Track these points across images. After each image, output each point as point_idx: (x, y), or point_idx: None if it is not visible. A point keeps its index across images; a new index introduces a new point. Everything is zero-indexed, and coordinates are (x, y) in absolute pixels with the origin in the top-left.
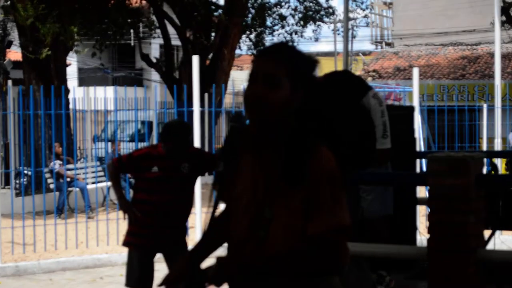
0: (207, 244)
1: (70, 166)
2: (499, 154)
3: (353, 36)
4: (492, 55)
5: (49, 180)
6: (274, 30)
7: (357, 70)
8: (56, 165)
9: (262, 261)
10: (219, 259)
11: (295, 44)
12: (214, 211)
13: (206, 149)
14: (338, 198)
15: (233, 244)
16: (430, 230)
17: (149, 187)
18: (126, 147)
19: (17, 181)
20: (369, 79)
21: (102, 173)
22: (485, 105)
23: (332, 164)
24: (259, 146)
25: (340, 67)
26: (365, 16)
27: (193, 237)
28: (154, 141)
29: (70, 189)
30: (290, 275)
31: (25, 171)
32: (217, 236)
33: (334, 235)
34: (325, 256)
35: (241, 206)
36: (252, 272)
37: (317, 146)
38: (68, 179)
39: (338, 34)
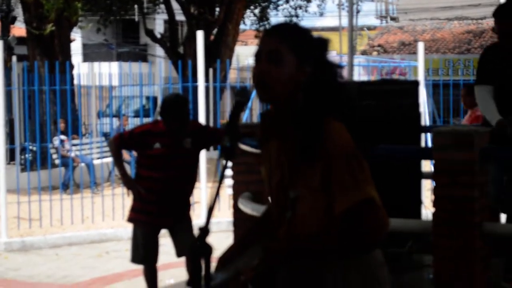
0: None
1: (75, 141)
2: None
3: (358, 11)
4: None
5: (54, 156)
6: (278, 5)
7: (362, 44)
8: (57, 140)
9: (291, 242)
10: (265, 246)
11: (299, 19)
12: (219, 186)
13: (211, 124)
14: (356, 172)
15: (272, 230)
16: (435, 204)
17: (152, 163)
18: (131, 123)
19: (22, 157)
20: (374, 53)
21: (107, 149)
22: None
23: (345, 139)
24: (280, 128)
25: (345, 42)
26: None
27: (198, 212)
28: (159, 117)
29: (75, 164)
30: (322, 255)
31: (30, 147)
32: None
33: (358, 211)
34: (358, 230)
35: (272, 190)
36: (287, 254)
37: (328, 121)
38: (72, 154)
39: (343, 8)
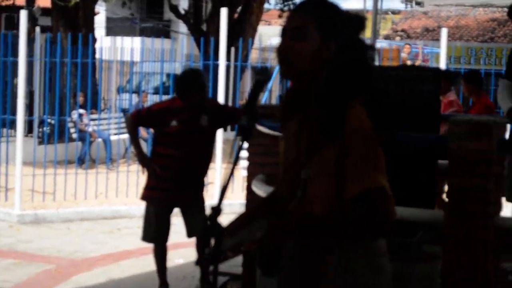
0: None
1: (94, 116)
2: None
3: None
4: None
5: (72, 130)
6: None
7: (386, 29)
8: (75, 114)
9: (298, 221)
10: (271, 222)
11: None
12: (233, 168)
13: (230, 104)
14: (371, 160)
15: (281, 207)
16: (448, 194)
17: (168, 140)
18: (151, 100)
19: (40, 130)
20: (397, 38)
21: (124, 125)
22: None
23: (365, 126)
24: (299, 109)
25: (368, 25)
26: None
27: (211, 193)
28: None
29: (92, 139)
30: (327, 237)
31: (49, 120)
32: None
33: (368, 198)
34: (364, 217)
35: (288, 168)
36: (295, 234)
37: (350, 103)
38: (89, 129)
39: None
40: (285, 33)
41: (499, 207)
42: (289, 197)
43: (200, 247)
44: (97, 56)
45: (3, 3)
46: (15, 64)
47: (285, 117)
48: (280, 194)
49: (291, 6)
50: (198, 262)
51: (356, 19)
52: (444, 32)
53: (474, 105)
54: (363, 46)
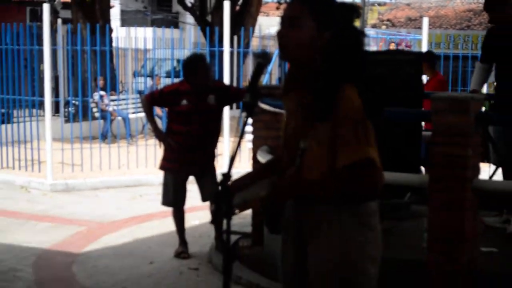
0: (260, 172)
1: (113, 97)
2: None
3: None
4: None
5: (94, 109)
6: None
7: (372, 18)
8: (97, 95)
9: (300, 185)
10: (273, 181)
11: None
12: (240, 140)
13: (235, 85)
14: (361, 134)
15: (280, 171)
16: (432, 161)
17: (180, 118)
18: (163, 82)
19: (66, 110)
20: (383, 27)
21: (141, 105)
22: None
23: (356, 104)
24: (297, 87)
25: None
26: None
27: (221, 163)
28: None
29: (113, 118)
30: (320, 200)
31: (73, 101)
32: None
33: (358, 166)
34: (353, 184)
35: (287, 139)
36: (293, 195)
37: (342, 85)
38: (110, 109)
39: None
40: (283, 21)
41: (477, 171)
42: (288, 164)
43: (213, 209)
44: (114, 44)
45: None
46: (40, 52)
47: (285, 96)
48: (281, 161)
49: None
50: (213, 222)
51: (350, 8)
52: (425, 21)
53: (429, 81)
54: (357, 33)
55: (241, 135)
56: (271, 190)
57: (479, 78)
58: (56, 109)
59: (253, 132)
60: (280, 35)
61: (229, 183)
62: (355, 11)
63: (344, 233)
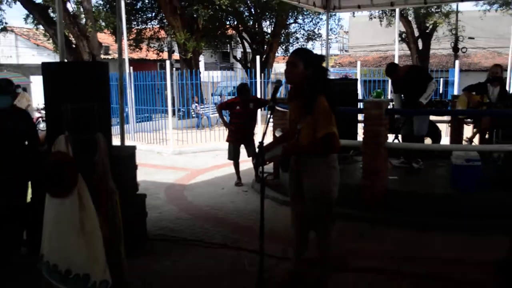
0: (278, 140)
1: (201, 106)
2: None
3: (330, 47)
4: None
5: (193, 113)
6: (291, 44)
7: (331, 63)
8: (193, 105)
9: (298, 147)
10: (284, 145)
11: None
12: (267, 126)
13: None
14: (328, 119)
15: (288, 140)
16: (364, 133)
17: (235, 116)
18: (227, 98)
19: (179, 113)
20: (337, 67)
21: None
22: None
23: (325, 104)
24: (296, 97)
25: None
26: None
27: (256, 138)
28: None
29: (202, 116)
30: (310, 153)
31: (182, 108)
32: (281, 138)
33: (328, 137)
34: (326, 146)
35: (290, 122)
36: (294, 152)
37: (319, 95)
38: (200, 112)
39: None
40: (287, 64)
41: (386, 138)
42: (292, 136)
43: (254, 161)
44: (202, 80)
45: (158, 58)
46: (165, 85)
47: (289, 102)
48: (288, 135)
49: (289, 54)
50: (254, 167)
51: (320, 57)
52: (358, 63)
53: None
54: (324, 70)
55: (267, 123)
56: (283, 150)
57: (397, 100)
58: (173, 113)
59: (273, 121)
60: (286, 71)
61: (262, 147)
62: (322, 58)
63: (321, 171)
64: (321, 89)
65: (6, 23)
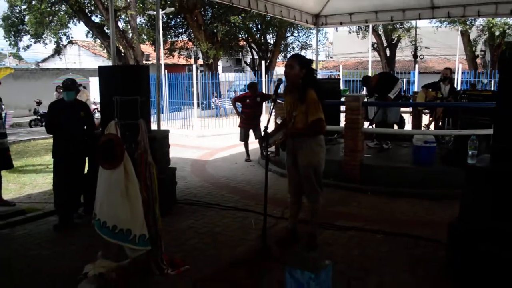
0: (278, 128)
1: (219, 100)
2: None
3: (318, 54)
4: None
5: (213, 105)
6: (289, 52)
7: (319, 66)
8: (213, 99)
9: (294, 130)
10: (283, 131)
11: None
12: (270, 115)
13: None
14: (318, 108)
15: (286, 126)
16: (345, 121)
17: (246, 106)
18: (239, 93)
19: (202, 105)
20: (324, 69)
21: (230, 102)
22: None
23: (315, 95)
24: (291, 90)
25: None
26: (323, 47)
27: (262, 124)
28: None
29: (220, 107)
30: (304, 136)
31: (204, 101)
32: (281, 125)
33: (317, 121)
34: (315, 129)
35: (287, 112)
36: (291, 135)
37: (309, 89)
38: (219, 104)
39: (313, 54)
40: (287, 67)
41: (362, 124)
42: (289, 122)
43: (260, 143)
44: (220, 80)
45: (187, 63)
46: (191, 84)
47: (285, 96)
48: (286, 122)
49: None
50: (260, 147)
51: (310, 61)
52: (341, 67)
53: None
54: (313, 69)
55: (271, 112)
56: (284, 134)
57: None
58: (197, 105)
59: (275, 111)
60: (286, 72)
61: (267, 133)
62: (312, 61)
63: (312, 149)
64: (311, 84)
65: (72, 37)
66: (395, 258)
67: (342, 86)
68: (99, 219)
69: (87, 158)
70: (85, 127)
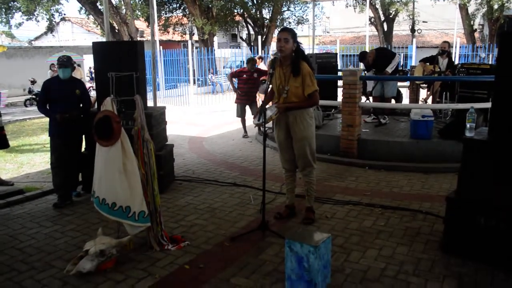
0: (267, 100)
1: (216, 76)
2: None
3: (315, 29)
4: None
5: (208, 81)
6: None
7: (316, 41)
8: (209, 76)
9: (288, 104)
10: (276, 104)
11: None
12: (266, 91)
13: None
14: (312, 80)
15: (277, 99)
16: (343, 95)
17: (242, 82)
18: (235, 69)
19: (198, 82)
20: (321, 44)
21: (227, 78)
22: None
23: (308, 68)
24: (284, 63)
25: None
26: (319, 21)
27: (258, 101)
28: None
29: (216, 84)
30: (298, 109)
31: (200, 78)
32: (271, 97)
33: (313, 93)
34: (311, 101)
35: (278, 85)
36: (286, 109)
37: (302, 61)
38: (215, 81)
39: (310, 29)
40: (281, 40)
41: (359, 99)
42: (279, 96)
43: (256, 119)
44: (216, 56)
45: (182, 39)
46: (187, 60)
47: (275, 69)
48: (277, 95)
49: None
50: (256, 124)
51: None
52: (338, 41)
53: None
54: (299, 43)
55: (267, 86)
56: (277, 109)
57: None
58: (193, 82)
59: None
60: (279, 45)
61: (265, 111)
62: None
63: (306, 122)
64: (302, 57)
65: (64, 14)
66: (393, 231)
67: (339, 61)
68: (98, 196)
69: (84, 136)
70: (81, 105)
